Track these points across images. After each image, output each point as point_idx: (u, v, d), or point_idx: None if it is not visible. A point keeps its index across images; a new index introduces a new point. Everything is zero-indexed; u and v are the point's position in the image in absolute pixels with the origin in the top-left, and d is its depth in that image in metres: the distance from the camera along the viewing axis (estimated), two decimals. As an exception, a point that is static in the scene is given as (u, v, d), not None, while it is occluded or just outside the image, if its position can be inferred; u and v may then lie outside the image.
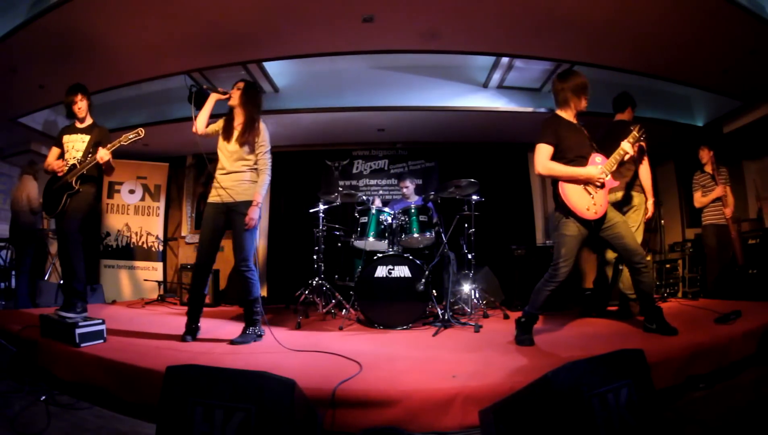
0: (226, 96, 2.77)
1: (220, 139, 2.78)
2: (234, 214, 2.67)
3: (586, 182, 2.45)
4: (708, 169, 4.31)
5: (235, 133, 2.72)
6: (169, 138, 5.70)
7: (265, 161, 2.76)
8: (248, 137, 2.70)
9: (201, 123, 2.75)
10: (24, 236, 4.71)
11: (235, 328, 3.17)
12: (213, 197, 2.73)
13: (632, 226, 3.17)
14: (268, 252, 6.29)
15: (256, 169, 2.77)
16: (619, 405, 1.27)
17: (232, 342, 2.57)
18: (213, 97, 2.76)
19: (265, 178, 2.75)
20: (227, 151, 2.72)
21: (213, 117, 2.87)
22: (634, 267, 2.50)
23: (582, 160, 2.47)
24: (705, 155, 4.33)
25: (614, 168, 2.49)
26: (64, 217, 2.99)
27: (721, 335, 2.33)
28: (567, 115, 2.55)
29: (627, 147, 2.50)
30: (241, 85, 2.80)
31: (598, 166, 2.47)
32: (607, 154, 2.76)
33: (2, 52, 3.59)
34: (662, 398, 1.78)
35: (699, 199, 4.34)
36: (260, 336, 2.70)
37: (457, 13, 3.43)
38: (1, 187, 6.17)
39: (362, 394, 1.63)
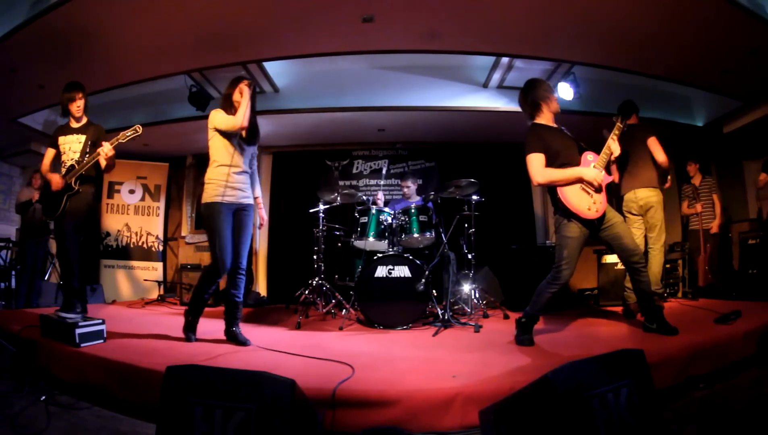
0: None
1: (236, 136, 2.66)
2: (243, 214, 2.65)
3: (582, 181, 2.44)
4: (694, 181, 4.78)
5: (245, 132, 2.67)
6: (169, 138, 5.70)
7: (255, 162, 2.82)
8: (258, 138, 2.72)
9: (248, 118, 2.57)
10: (38, 233, 4.72)
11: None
12: (226, 196, 2.57)
13: (655, 224, 3.26)
14: (268, 252, 6.29)
15: None
16: (619, 405, 1.27)
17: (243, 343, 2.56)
18: (249, 93, 2.60)
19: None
20: (240, 150, 2.64)
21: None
22: (632, 267, 2.50)
23: (573, 163, 2.46)
24: (692, 169, 4.78)
25: (606, 163, 2.50)
26: (64, 217, 2.99)
27: (721, 335, 2.33)
28: (545, 120, 2.56)
29: (614, 147, 2.52)
30: (250, 83, 2.69)
31: (591, 164, 2.48)
32: (626, 155, 2.91)
33: (2, 52, 3.59)
34: (662, 398, 1.77)
35: (684, 209, 4.94)
36: None
37: (457, 13, 3.43)
38: (1, 187, 6.18)
39: (362, 394, 1.63)
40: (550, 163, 2.45)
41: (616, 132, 2.55)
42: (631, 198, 3.33)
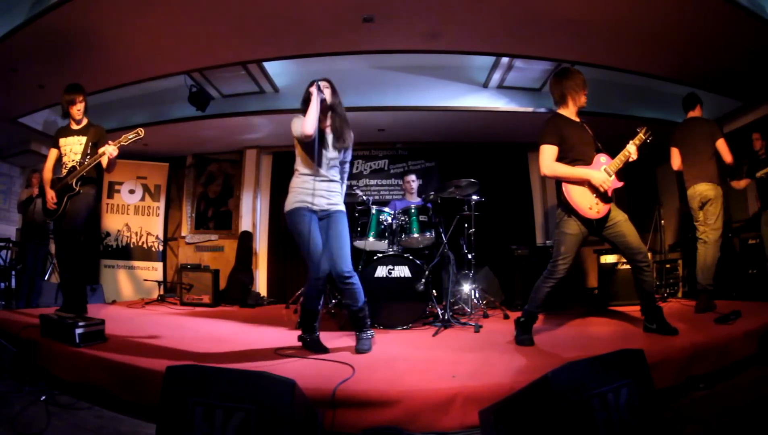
0: (323, 96, 2.43)
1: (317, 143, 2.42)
2: (332, 220, 2.44)
3: (589, 182, 2.43)
4: None
5: (329, 138, 2.47)
6: (169, 138, 5.71)
7: (347, 169, 2.61)
8: (346, 142, 2.47)
9: (314, 126, 2.33)
10: (38, 235, 4.71)
11: (239, 329, 3.17)
12: (306, 203, 2.41)
13: (710, 218, 3.30)
14: (268, 252, 6.29)
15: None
16: (619, 405, 1.27)
17: (357, 351, 2.36)
18: (318, 98, 2.38)
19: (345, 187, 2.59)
20: (325, 158, 2.44)
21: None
22: (636, 265, 2.49)
23: (586, 161, 2.45)
24: None
25: (619, 168, 2.48)
26: (65, 218, 2.99)
27: (721, 335, 2.33)
28: (568, 113, 2.53)
29: (632, 149, 2.50)
30: (327, 84, 2.49)
31: (603, 166, 2.46)
32: (684, 148, 3.04)
33: (2, 52, 3.59)
34: (662, 398, 1.77)
35: None
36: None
37: (457, 13, 3.43)
38: (1, 187, 6.18)
39: (362, 395, 1.62)
40: (563, 156, 2.44)
41: (637, 141, 2.52)
42: (692, 194, 3.40)
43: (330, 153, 2.46)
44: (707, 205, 3.33)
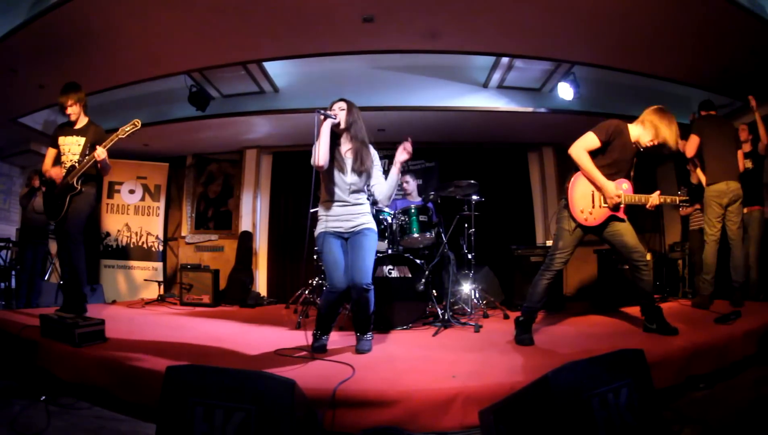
0: (336, 120, 2.36)
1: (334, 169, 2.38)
2: (356, 238, 2.38)
3: (599, 189, 2.45)
4: (693, 180, 4.56)
5: (348, 162, 2.38)
6: (169, 138, 5.71)
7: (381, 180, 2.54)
8: (366, 165, 2.38)
9: (324, 156, 2.27)
10: (37, 235, 4.71)
11: (239, 329, 3.16)
12: (329, 228, 2.38)
13: (738, 217, 3.35)
14: (268, 252, 6.30)
15: (370, 194, 2.50)
16: (619, 405, 1.27)
17: (357, 351, 2.36)
18: (328, 124, 2.32)
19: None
20: (344, 183, 2.37)
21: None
22: (633, 264, 2.50)
23: (609, 177, 2.44)
24: (692, 168, 4.70)
25: (631, 203, 2.46)
26: (67, 217, 2.99)
27: (721, 335, 2.33)
28: (633, 134, 2.48)
29: (656, 201, 2.45)
30: (343, 104, 2.44)
31: (621, 188, 2.45)
32: (711, 141, 3.20)
33: (2, 52, 3.59)
34: (662, 398, 1.78)
35: (683, 209, 4.83)
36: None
37: (457, 13, 3.43)
38: (1, 187, 6.18)
39: (362, 395, 1.63)
40: (597, 158, 2.44)
41: (668, 199, 2.47)
42: (723, 189, 3.33)
43: (349, 177, 2.37)
44: (735, 204, 3.33)
